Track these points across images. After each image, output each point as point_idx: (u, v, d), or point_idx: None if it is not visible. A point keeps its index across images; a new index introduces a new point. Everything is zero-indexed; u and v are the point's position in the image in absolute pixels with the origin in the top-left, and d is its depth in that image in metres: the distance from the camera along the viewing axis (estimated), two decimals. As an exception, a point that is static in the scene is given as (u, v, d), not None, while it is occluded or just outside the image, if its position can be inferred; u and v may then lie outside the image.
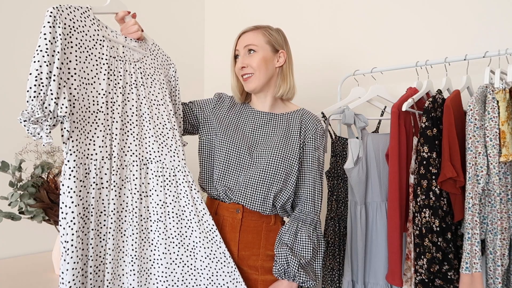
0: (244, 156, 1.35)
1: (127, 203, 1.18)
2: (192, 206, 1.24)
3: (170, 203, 1.23)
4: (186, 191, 1.25)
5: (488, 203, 1.35)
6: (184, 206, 1.25)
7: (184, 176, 1.25)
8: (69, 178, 1.05)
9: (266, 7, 2.51)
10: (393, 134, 1.50)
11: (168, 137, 1.26)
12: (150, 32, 2.50)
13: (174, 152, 1.26)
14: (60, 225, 1.04)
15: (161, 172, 1.23)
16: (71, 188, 1.05)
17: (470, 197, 1.32)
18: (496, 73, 1.39)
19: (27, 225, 1.71)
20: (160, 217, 1.22)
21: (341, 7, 2.19)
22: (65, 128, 1.04)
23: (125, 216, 1.17)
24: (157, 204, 1.22)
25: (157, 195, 1.22)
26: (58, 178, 1.54)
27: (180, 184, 1.25)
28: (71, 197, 1.04)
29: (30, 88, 0.97)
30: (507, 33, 1.66)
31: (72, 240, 1.04)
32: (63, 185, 1.05)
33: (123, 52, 1.21)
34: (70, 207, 1.04)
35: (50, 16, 1.01)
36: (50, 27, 1.00)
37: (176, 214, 1.23)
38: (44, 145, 1.12)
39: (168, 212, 1.23)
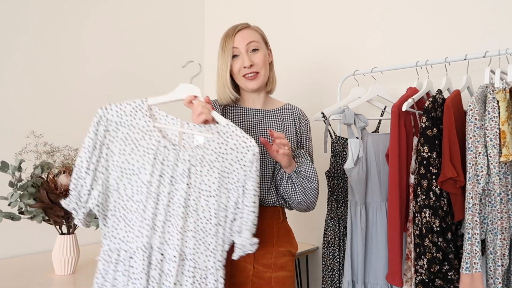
0: None
1: None
2: None
3: None
4: None
5: (488, 203, 1.35)
6: None
7: (215, 280, 1.15)
8: (100, 261, 1.13)
9: (266, 7, 2.50)
10: (393, 134, 1.50)
11: (209, 234, 1.16)
12: (150, 32, 2.51)
13: (211, 252, 1.16)
14: None
15: (192, 272, 1.14)
16: (100, 271, 1.13)
17: (470, 197, 1.32)
18: (496, 73, 1.39)
19: (27, 225, 1.71)
20: None
21: (341, 7, 2.18)
22: (100, 215, 1.14)
23: None
24: None
25: None
26: (58, 178, 1.54)
27: None
28: (97, 277, 1.13)
29: (71, 180, 1.11)
30: (507, 33, 1.66)
31: None
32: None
33: (182, 139, 1.20)
34: None
35: (96, 116, 1.13)
36: (94, 126, 1.13)
37: None
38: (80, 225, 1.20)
39: None
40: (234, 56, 1.39)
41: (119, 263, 1.14)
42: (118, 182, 1.14)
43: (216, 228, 1.16)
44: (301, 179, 1.31)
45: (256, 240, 1.17)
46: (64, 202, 1.13)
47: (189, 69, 3.00)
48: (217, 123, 1.20)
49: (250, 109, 1.46)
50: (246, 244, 1.16)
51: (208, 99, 1.23)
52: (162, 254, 1.14)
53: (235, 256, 1.18)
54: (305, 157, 1.35)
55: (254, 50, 1.38)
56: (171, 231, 1.14)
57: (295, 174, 1.32)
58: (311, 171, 1.32)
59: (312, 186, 1.32)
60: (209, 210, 1.16)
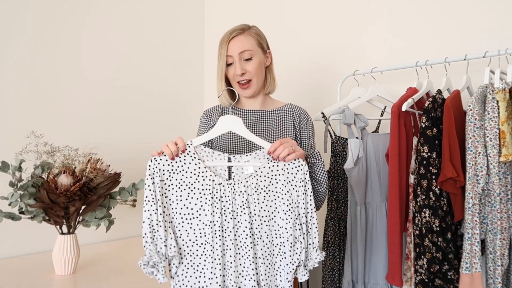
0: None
1: None
2: None
3: None
4: None
5: (488, 203, 1.35)
6: None
7: None
8: None
9: (266, 8, 2.51)
10: (393, 134, 1.50)
11: (273, 254, 1.19)
12: (150, 33, 2.51)
13: (277, 271, 1.19)
14: None
15: None
16: None
17: (470, 197, 1.32)
18: (496, 73, 1.39)
19: (27, 225, 1.71)
20: None
21: (341, 7, 2.19)
22: (173, 264, 1.14)
23: None
24: None
25: None
26: (58, 178, 1.54)
27: None
28: None
29: (145, 234, 1.11)
30: (507, 33, 1.66)
31: None
32: None
33: (232, 173, 1.21)
34: None
35: (149, 169, 1.14)
36: (149, 178, 1.13)
37: None
38: (160, 283, 1.13)
39: None
40: (229, 64, 1.42)
41: None
42: (180, 229, 1.16)
43: (279, 248, 1.19)
44: (313, 182, 1.30)
45: (324, 253, 1.19)
46: (143, 261, 1.08)
47: (189, 70, 2.99)
48: (262, 148, 1.21)
49: (247, 110, 1.47)
50: (318, 260, 1.18)
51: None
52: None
53: (303, 278, 1.17)
54: (318, 158, 1.32)
55: (247, 59, 1.40)
56: (243, 263, 1.17)
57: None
58: (322, 174, 1.31)
59: (321, 190, 1.33)
60: (270, 234, 1.19)
